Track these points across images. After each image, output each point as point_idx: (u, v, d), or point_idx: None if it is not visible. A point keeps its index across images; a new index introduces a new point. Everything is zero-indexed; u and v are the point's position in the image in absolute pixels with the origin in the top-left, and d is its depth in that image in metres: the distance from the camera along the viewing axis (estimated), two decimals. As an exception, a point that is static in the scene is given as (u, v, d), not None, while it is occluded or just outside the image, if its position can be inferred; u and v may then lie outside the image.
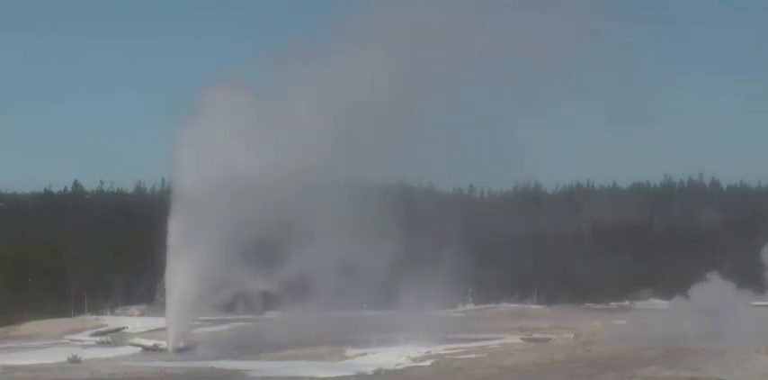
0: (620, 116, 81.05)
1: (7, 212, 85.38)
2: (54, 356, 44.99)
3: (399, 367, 39.22)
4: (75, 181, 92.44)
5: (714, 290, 43.77)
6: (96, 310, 69.28)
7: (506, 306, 71.06)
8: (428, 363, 39.32)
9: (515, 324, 54.18)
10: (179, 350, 47.61)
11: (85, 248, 74.28)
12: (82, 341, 52.88)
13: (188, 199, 49.00)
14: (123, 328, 59.57)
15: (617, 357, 35.81)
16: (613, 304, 74.50)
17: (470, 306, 69.54)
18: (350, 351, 44.72)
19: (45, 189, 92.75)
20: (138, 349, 48.93)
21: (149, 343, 49.53)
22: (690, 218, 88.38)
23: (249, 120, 50.09)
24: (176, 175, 51.25)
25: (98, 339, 53.97)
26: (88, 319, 64.70)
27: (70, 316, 67.22)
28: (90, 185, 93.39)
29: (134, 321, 62.31)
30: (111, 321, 63.10)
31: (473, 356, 40.68)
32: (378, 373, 37.01)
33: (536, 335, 48.62)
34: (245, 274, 48.83)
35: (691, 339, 37.79)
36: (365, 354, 43.89)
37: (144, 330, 57.81)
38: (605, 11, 56.84)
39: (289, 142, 49.75)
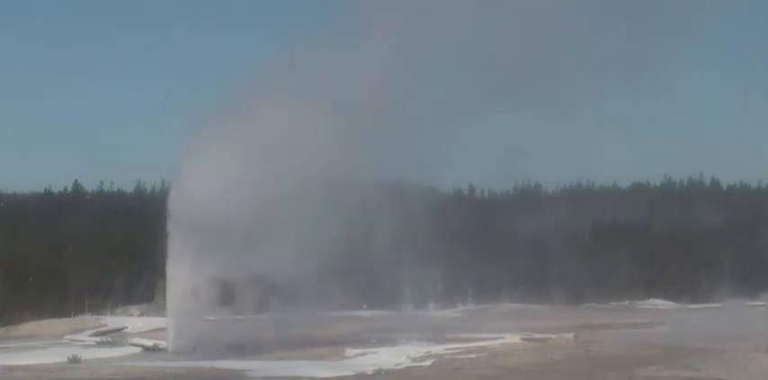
0: (621, 116, 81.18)
1: (7, 212, 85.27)
2: (54, 356, 44.89)
3: (399, 367, 39.19)
4: (75, 181, 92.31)
5: None
6: (96, 310, 69.18)
7: (507, 306, 70.98)
8: (428, 363, 39.29)
9: (515, 324, 54.05)
10: (179, 350, 47.59)
11: (85, 249, 74.25)
12: (82, 341, 52.84)
13: (189, 203, 48.93)
14: (123, 328, 59.53)
15: (617, 357, 35.84)
16: (613, 304, 74.61)
17: (470, 306, 69.44)
18: (350, 351, 44.70)
19: (45, 189, 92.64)
20: (138, 349, 48.90)
21: (149, 343, 49.51)
22: (690, 218, 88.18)
23: (250, 123, 50.09)
24: (178, 179, 51.12)
25: (98, 339, 53.94)
26: (88, 319, 64.61)
27: (70, 316, 67.12)
28: (90, 185, 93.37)
29: (134, 321, 62.25)
30: (111, 321, 63.01)
31: (473, 356, 40.65)
32: (378, 373, 37.01)
33: (536, 335, 48.55)
34: (245, 274, 48.78)
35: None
36: (365, 354, 43.85)
37: (144, 330, 57.81)
38: (605, 12, 56.88)
39: (287, 143, 49.69)
